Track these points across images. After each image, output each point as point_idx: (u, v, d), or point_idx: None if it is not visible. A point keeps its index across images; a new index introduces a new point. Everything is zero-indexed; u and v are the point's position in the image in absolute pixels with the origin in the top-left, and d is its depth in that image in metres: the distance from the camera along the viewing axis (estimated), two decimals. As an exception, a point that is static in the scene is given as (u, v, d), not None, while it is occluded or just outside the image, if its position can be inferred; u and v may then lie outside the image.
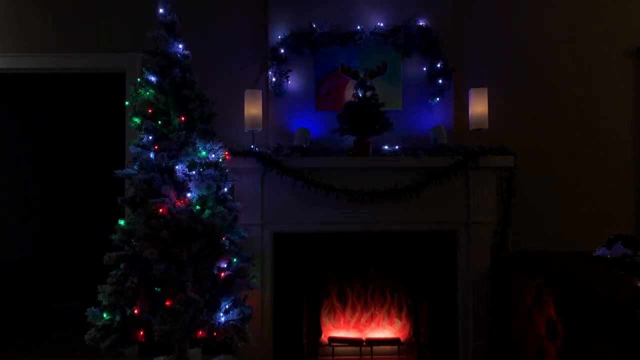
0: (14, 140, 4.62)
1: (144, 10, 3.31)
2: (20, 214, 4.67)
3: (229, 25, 3.43)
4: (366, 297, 3.31)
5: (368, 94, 2.97)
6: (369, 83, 2.99)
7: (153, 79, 2.58)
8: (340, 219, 2.99)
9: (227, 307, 2.56)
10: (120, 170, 2.62)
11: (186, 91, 2.57)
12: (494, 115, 3.17)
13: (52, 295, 4.60)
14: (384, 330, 3.31)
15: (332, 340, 3.24)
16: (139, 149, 2.58)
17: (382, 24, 3.18)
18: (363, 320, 3.31)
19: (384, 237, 3.10)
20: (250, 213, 2.94)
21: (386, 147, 3.05)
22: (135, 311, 2.41)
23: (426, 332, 3.15)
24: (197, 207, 2.51)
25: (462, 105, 3.24)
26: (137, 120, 2.62)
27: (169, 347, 2.62)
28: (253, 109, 3.10)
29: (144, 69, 2.64)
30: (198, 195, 2.55)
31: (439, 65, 3.15)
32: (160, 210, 2.39)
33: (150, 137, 2.56)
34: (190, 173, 2.55)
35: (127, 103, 2.66)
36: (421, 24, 3.17)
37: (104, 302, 2.46)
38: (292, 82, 3.21)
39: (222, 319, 2.52)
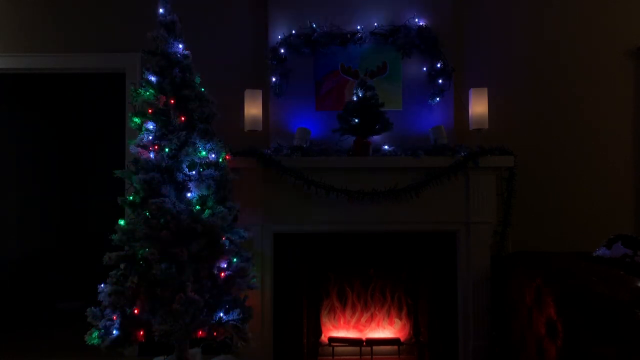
0: (14, 140, 4.61)
1: (144, 10, 3.31)
2: (20, 214, 4.66)
3: (229, 25, 3.43)
4: (366, 297, 3.31)
5: (368, 94, 2.97)
6: (369, 83, 2.99)
7: (153, 79, 2.59)
8: (340, 219, 2.99)
9: (227, 307, 2.55)
10: (120, 170, 2.63)
11: (186, 91, 2.57)
12: (494, 115, 3.17)
13: (52, 295, 4.60)
14: (384, 330, 3.31)
15: (332, 340, 3.24)
16: (139, 149, 2.58)
17: (382, 24, 3.18)
18: (363, 320, 3.31)
19: (384, 237, 3.10)
20: (250, 213, 2.94)
21: (386, 147, 3.06)
22: (135, 311, 2.41)
23: (426, 332, 3.15)
24: (197, 207, 2.51)
25: (462, 105, 3.24)
26: (137, 120, 2.61)
27: (169, 347, 2.62)
28: (253, 109, 3.10)
29: (144, 69, 2.64)
30: (198, 195, 2.55)
31: (439, 65, 3.15)
32: (160, 210, 2.39)
33: (150, 137, 2.56)
34: (190, 173, 2.55)
35: (132, 102, 2.67)
36: (421, 24, 3.17)
37: (104, 302, 2.46)
38: (292, 82, 3.21)
39: (222, 319, 2.53)
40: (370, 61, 3.19)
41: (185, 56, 2.66)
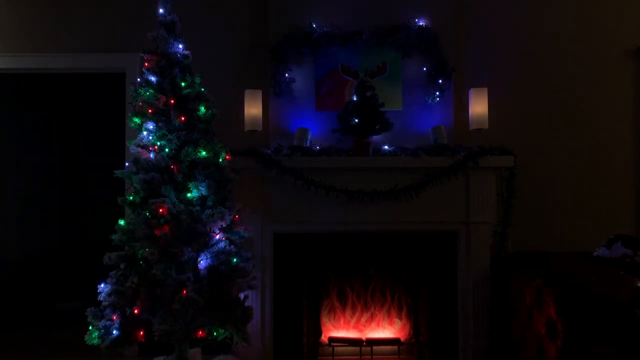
0: (14, 140, 4.62)
1: (144, 10, 3.30)
2: (20, 214, 4.66)
3: (229, 25, 3.43)
4: (366, 297, 3.31)
5: (368, 94, 2.97)
6: (369, 83, 2.99)
7: (153, 79, 2.58)
8: (340, 219, 2.99)
9: (227, 307, 2.55)
10: (120, 170, 2.63)
11: (186, 91, 2.57)
12: (494, 115, 3.17)
13: (52, 295, 4.60)
14: (384, 330, 3.31)
15: (332, 340, 3.24)
16: (139, 149, 2.58)
17: (382, 24, 3.18)
18: (363, 320, 3.31)
19: (384, 237, 3.10)
20: (250, 213, 2.94)
21: (386, 147, 3.06)
22: (135, 311, 2.41)
23: (426, 332, 3.15)
24: (197, 207, 2.51)
25: (462, 105, 3.24)
26: (137, 120, 2.61)
27: (169, 347, 2.62)
28: (253, 109, 3.10)
29: (144, 69, 2.64)
30: (198, 195, 2.55)
31: (439, 65, 3.15)
32: (160, 210, 2.39)
33: (150, 137, 2.56)
34: (190, 173, 2.55)
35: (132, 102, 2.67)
36: (421, 23, 3.16)
37: (104, 302, 2.46)
38: (292, 82, 3.21)
39: (222, 318, 2.52)
40: (370, 61, 3.19)
41: (185, 56, 2.66)
